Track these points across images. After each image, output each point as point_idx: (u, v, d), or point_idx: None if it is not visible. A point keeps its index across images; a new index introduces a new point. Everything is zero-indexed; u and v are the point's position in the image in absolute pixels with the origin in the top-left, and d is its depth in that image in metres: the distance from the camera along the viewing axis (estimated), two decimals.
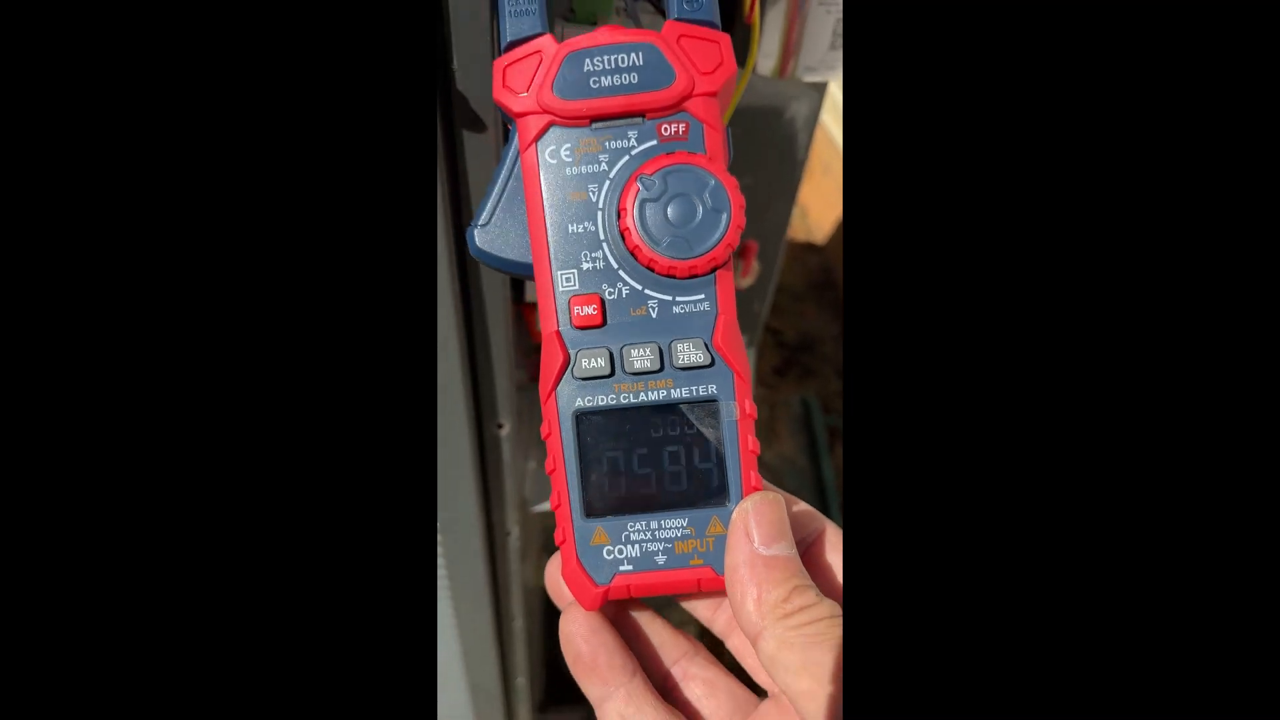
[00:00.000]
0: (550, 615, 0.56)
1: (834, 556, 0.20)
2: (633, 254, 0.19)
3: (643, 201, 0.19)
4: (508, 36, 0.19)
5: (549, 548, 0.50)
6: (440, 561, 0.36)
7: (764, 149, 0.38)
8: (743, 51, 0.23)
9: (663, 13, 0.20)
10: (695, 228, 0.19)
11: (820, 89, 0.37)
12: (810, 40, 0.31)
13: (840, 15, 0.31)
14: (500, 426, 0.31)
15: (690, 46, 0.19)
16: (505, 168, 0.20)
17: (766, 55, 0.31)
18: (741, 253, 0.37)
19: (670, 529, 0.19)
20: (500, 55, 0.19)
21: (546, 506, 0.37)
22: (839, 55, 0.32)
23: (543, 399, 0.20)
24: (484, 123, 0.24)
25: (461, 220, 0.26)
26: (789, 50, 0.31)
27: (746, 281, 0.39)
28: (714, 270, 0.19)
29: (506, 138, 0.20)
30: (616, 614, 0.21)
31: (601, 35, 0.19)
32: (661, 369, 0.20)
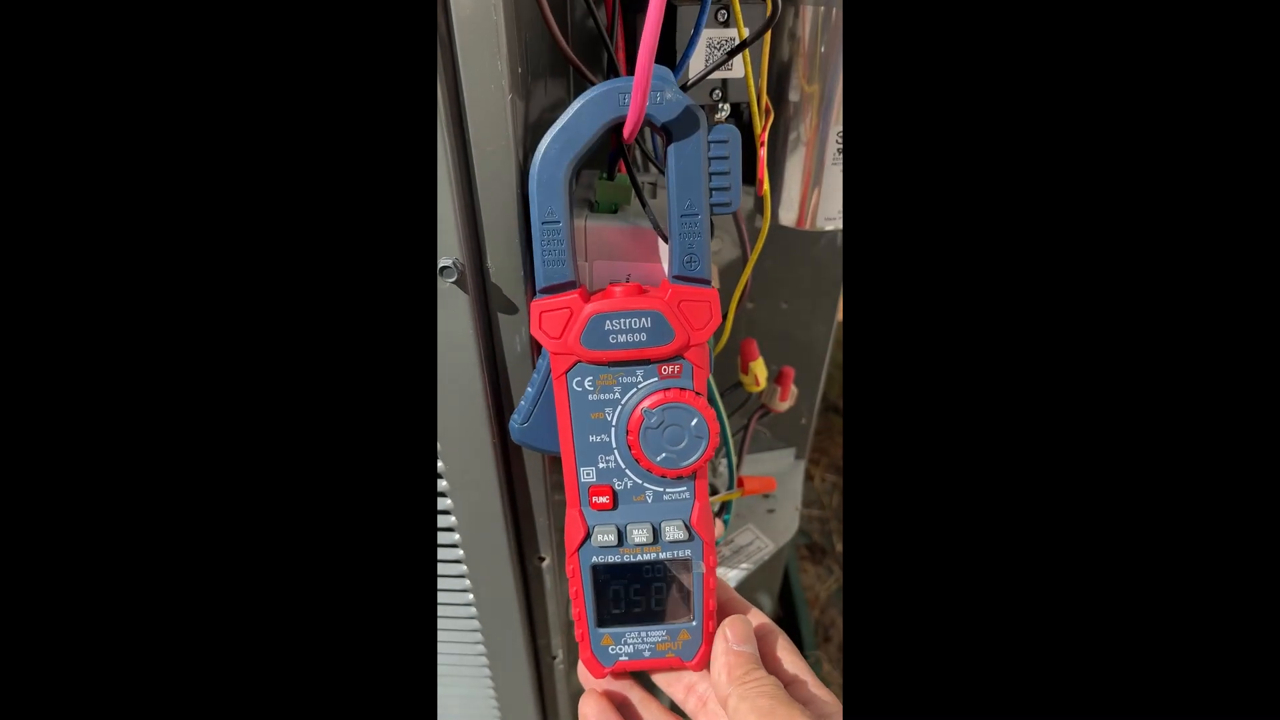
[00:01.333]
0: None
1: (782, 655, 0.27)
2: (637, 461, 0.25)
3: (646, 428, 0.25)
4: (542, 282, 0.24)
5: None
6: (490, 688, 0.41)
7: (800, 279, 0.41)
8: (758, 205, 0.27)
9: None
10: (683, 448, 0.25)
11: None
12: (827, 195, 0.34)
13: None
14: (542, 559, 0.36)
15: (687, 309, 0.24)
16: (539, 379, 0.25)
17: (788, 207, 0.34)
18: (779, 379, 0.41)
19: (654, 636, 0.27)
20: (536, 298, 0.24)
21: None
22: None
23: (568, 555, 0.27)
24: (517, 308, 0.28)
25: (502, 405, 0.30)
26: (805, 203, 0.34)
27: (786, 405, 0.41)
28: (694, 474, 0.25)
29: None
30: (623, 703, 0.29)
31: (618, 301, 0.24)
32: (655, 541, 0.26)
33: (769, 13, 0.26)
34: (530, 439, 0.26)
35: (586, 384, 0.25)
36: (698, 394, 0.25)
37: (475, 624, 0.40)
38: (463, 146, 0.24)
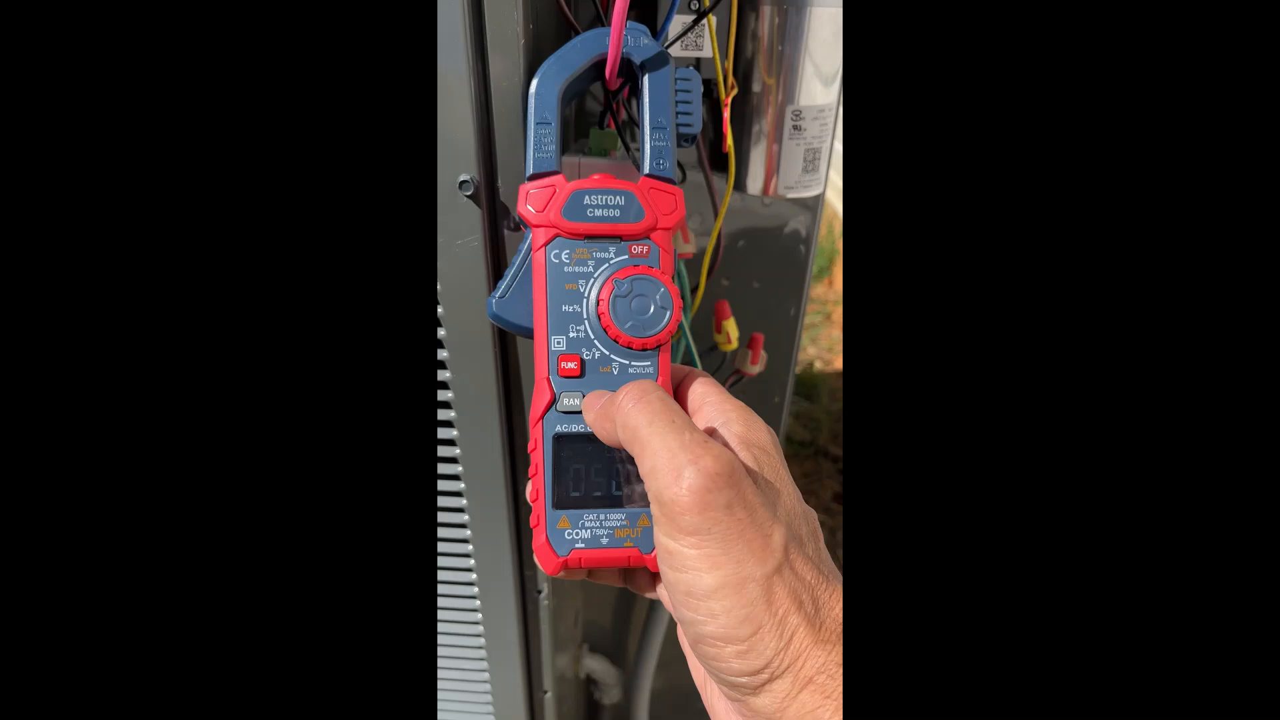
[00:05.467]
0: None
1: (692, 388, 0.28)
2: (605, 330, 0.28)
3: (615, 297, 0.28)
4: (531, 169, 0.29)
5: (588, 639, 0.56)
6: (479, 615, 0.43)
7: (770, 258, 0.46)
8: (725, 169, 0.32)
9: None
10: (649, 318, 0.28)
11: (814, 206, 0.45)
12: (786, 166, 0.39)
13: (808, 145, 0.39)
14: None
15: (656, 197, 0.28)
16: (519, 259, 0.29)
17: (755, 178, 0.40)
18: (750, 344, 0.44)
19: (613, 520, 0.28)
20: (526, 181, 0.29)
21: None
22: (811, 177, 0.40)
23: (531, 424, 0.28)
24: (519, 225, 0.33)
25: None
26: (769, 175, 0.39)
27: (756, 369, 0.44)
28: (659, 346, 0.28)
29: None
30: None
31: (598, 181, 0.28)
32: None
33: None
34: (505, 312, 0.29)
35: (564, 256, 0.28)
36: (663, 272, 0.28)
37: (466, 538, 0.41)
38: (484, 83, 0.30)
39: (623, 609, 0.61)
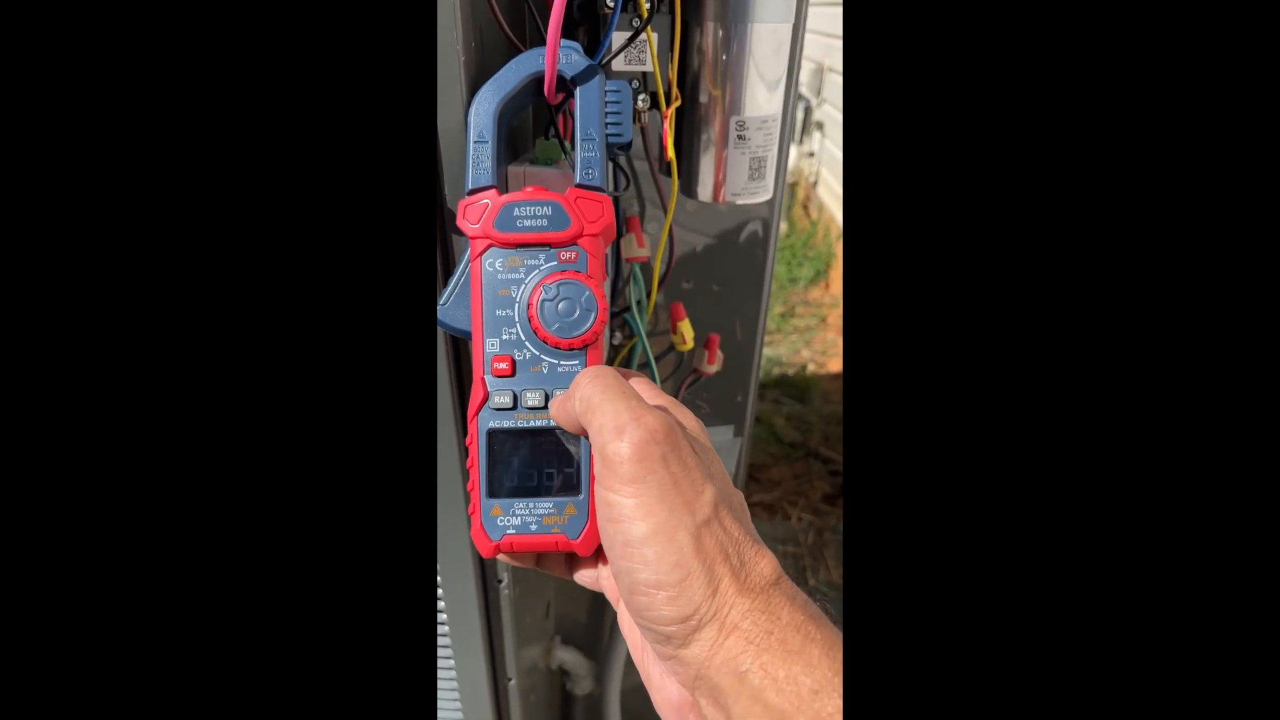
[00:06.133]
0: None
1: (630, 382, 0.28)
2: (535, 332, 0.30)
3: (543, 301, 0.30)
4: (470, 184, 0.30)
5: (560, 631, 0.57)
6: (441, 604, 0.45)
7: (730, 261, 0.48)
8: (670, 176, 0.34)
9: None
10: (574, 319, 0.30)
11: (769, 211, 0.47)
12: (732, 173, 0.41)
13: (753, 153, 0.40)
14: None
15: (583, 205, 0.30)
16: (460, 269, 0.31)
17: (705, 185, 0.42)
18: (706, 344, 0.46)
19: (541, 509, 0.30)
20: (464, 197, 0.31)
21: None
22: (758, 184, 0.42)
23: (469, 420, 0.30)
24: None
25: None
26: (718, 181, 0.41)
27: (713, 368, 0.46)
28: (585, 347, 0.30)
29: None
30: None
31: (527, 194, 0.30)
32: (546, 406, 0.30)
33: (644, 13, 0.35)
34: (449, 319, 0.31)
35: (498, 265, 0.30)
36: (590, 277, 0.30)
37: None
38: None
39: (596, 602, 0.63)
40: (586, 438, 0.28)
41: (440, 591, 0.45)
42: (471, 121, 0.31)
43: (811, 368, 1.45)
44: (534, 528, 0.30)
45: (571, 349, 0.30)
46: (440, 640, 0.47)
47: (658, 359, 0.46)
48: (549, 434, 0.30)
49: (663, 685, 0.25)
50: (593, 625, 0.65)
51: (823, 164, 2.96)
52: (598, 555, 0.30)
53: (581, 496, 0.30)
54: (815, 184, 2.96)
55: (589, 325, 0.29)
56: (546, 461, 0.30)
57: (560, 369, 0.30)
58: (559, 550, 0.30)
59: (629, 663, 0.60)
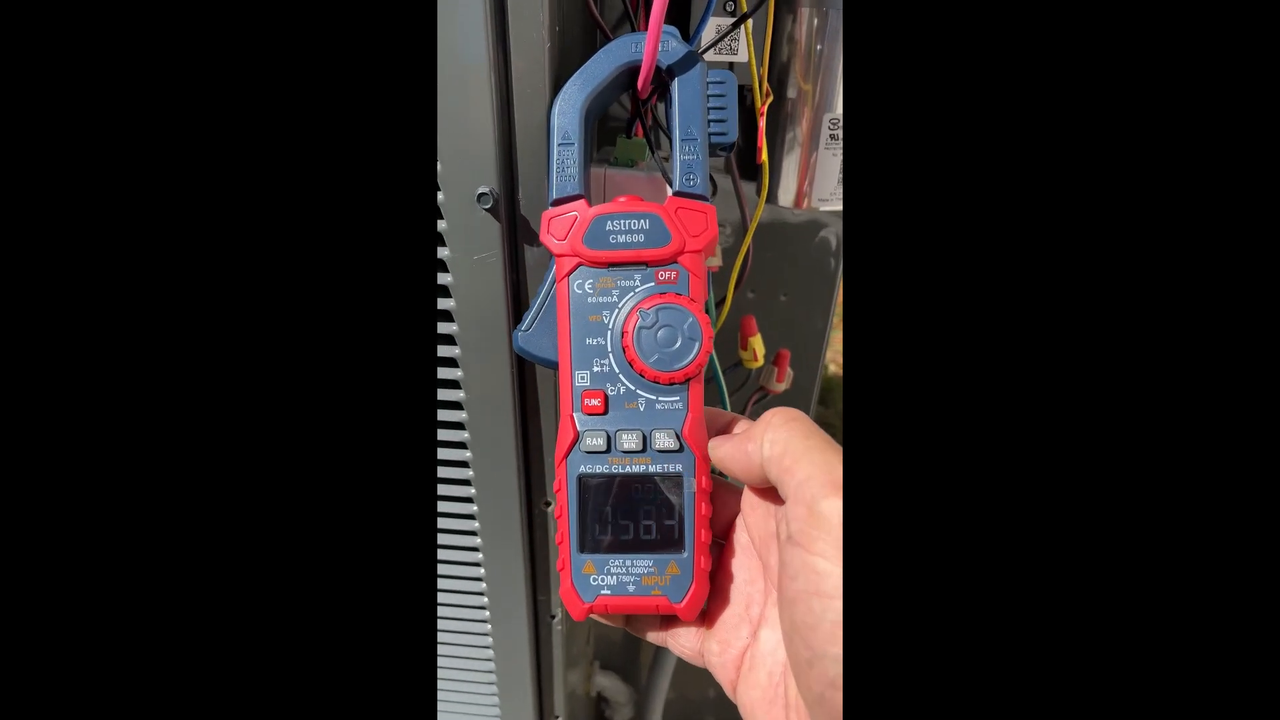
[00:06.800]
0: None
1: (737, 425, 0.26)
2: (630, 364, 0.26)
3: (640, 328, 0.26)
4: (554, 194, 0.26)
5: (599, 656, 0.54)
6: (489, 640, 0.41)
7: (799, 270, 0.44)
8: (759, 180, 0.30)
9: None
10: (676, 350, 0.26)
11: (841, 220, 0.43)
12: (820, 177, 0.37)
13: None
14: (547, 504, 0.37)
15: (685, 217, 0.26)
16: (544, 289, 0.27)
17: (786, 190, 0.37)
18: (775, 360, 0.42)
19: (640, 567, 0.26)
20: (549, 208, 0.27)
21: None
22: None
23: (556, 464, 0.27)
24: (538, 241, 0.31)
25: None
26: (802, 186, 0.37)
27: (782, 386, 0.43)
28: (688, 380, 0.26)
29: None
30: None
31: (620, 205, 0.26)
32: (644, 450, 0.26)
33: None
34: (531, 346, 0.27)
35: (587, 286, 0.26)
36: (693, 300, 0.26)
37: (478, 560, 0.39)
38: (506, 90, 0.28)
39: None
40: (759, 489, 0.24)
41: (489, 626, 0.41)
42: (555, 122, 0.26)
43: (832, 368, 1.41)
44: (631, 588, 0.26)
45: (672, 383, 0.26)
46: (486, 677, 0.44)
47: (724, 373, 0.42)
48: (647, 481, 0.26)
49: None
50: (629, 647, 0.61)
51: None
52: (701, 620, 0.26)
53: (685, 555, 0.26)
54: None
55: (692, 356, 0.26)
56: (645, 513, 0.26)
57: (659, 406, 0.26)
58: (660, 613, 0.26)
59: (669, 698, 0.57)
